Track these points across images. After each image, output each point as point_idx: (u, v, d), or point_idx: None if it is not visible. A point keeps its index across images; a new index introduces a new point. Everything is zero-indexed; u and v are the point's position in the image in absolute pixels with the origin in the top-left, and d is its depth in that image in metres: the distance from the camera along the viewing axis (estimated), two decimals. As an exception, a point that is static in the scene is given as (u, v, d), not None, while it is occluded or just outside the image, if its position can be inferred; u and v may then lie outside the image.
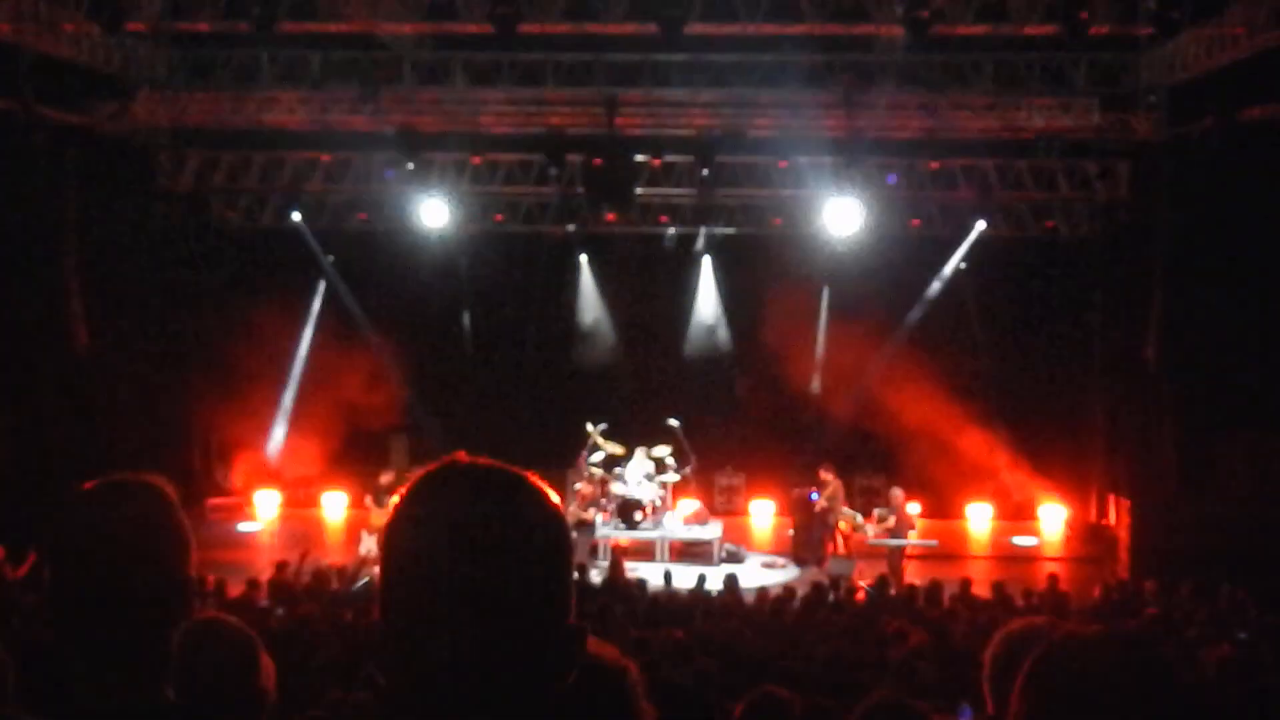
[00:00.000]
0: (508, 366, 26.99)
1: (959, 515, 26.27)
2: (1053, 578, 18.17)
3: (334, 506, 26.89)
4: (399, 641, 1.85)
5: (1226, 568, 17.47)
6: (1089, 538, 25.14)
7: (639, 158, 24.03)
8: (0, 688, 4.01)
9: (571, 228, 26.59)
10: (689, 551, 22.92)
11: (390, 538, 1.90)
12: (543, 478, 1.99)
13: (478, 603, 1.81)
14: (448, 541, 1.83)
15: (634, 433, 24.15)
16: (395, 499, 1.93)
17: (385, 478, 21.83)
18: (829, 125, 22.73)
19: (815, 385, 26.77)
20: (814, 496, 22.88)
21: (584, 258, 27.81)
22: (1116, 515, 23.19)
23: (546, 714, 1.89)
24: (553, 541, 1.90)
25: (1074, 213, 26.28)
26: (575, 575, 1.97)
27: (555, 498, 1.95)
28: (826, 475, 22.92)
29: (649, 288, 27.88)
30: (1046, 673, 2.16)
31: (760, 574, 21.58)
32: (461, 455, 1.95)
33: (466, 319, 27.65)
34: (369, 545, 20.91)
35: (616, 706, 3.07)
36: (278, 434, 27.29)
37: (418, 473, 1.94)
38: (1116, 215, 25.33)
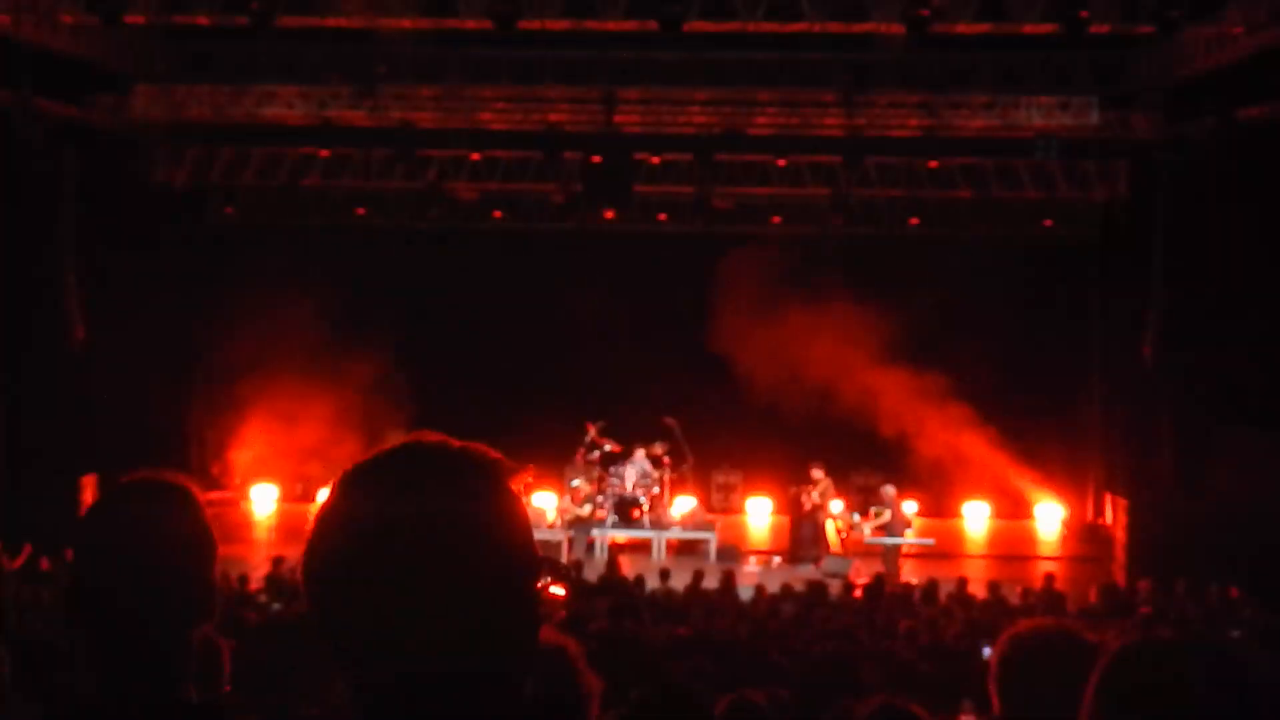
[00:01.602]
0: (505, 363, 26.95)
1: (955, 514, 26.29)
2: (1049, 577, 18.18)
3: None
4: (331, 625, 1.79)
5: (1223, 566, 17.50)
6: (1085, 537, 25.16)
7: (637, 155, 24.01)
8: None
9: (563, 219, 26.43)
10: (686, 549, 22.92)
11: (322, 516, 1.83)
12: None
13: (425, 582, 1.75)
14: (371, 517, 1.77)
15: (631, 431, 24.15)
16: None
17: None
18: (828, 123, 22.73)
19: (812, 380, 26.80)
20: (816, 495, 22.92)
21: (583, 255, 27.77)
22: (1113, 514, 23.19)
23: (511, 693, 1.84)
24: (502, 515, 1.83)
25: (1072, 212, 26.29)
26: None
27: (507, 469, 1.87)
28: (817, 473, 22.93)
29: (647, 285, 27.88)
30: (1122, 680, 2.10)
31: (757, 572, 21.57)
32: (426, 434, 1.90)
33: (464, 316, 27.60)
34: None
35: (560, 680, 3.09)
36: (274, 429, 27.24)
37: (360, 455, 1.88)
38: (1115, 214, 25.34)
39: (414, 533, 1.76)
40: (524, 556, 1.85)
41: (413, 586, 1.75)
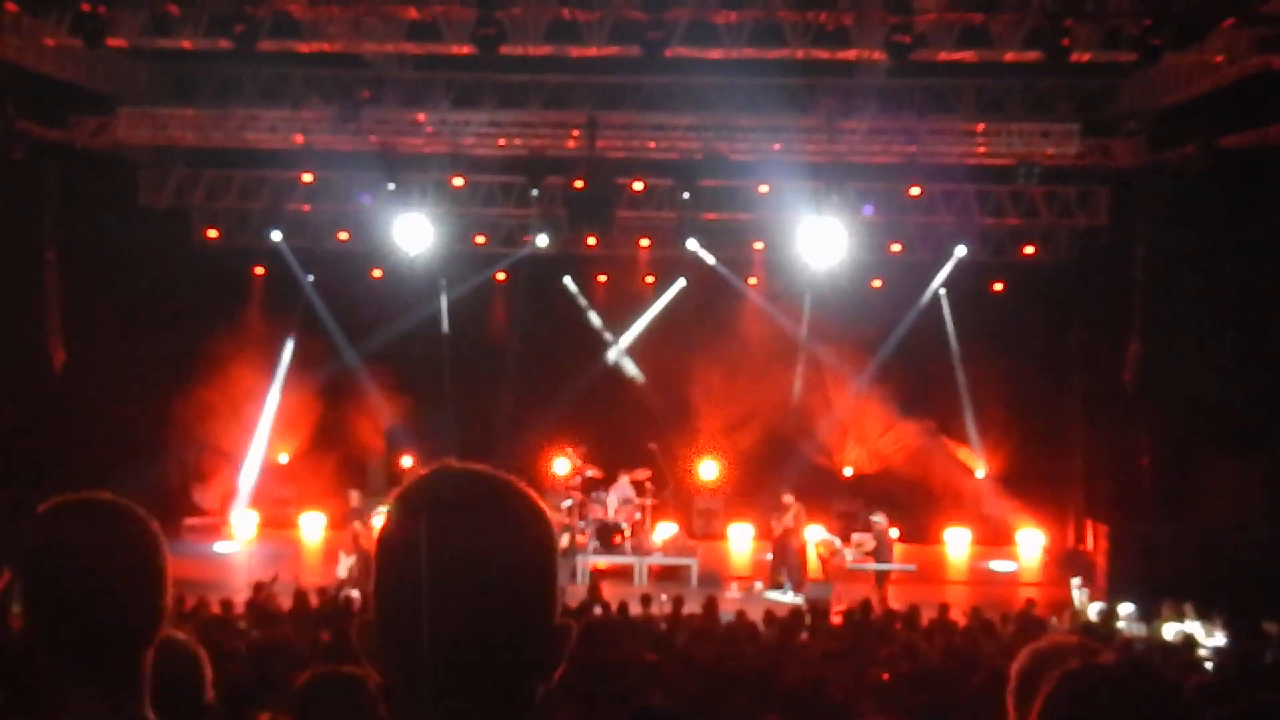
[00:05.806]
0: (487, 389, 26.90)
1: (937, 540, 26.28)
2: (1029, 603, 18.19)
3: (312, 528, 26.77)
4: (390, 640, 1.86)
5: (1202, 592, 17.53)
6: (1066, 563, 25.15)
7: (620, 180, 24.02)
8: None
9: (546, 244, 26.08)
10: (667, 575, 22.88)
11: (385, 539, 1.92)
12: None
13: (468, 602, 1.83)
14: (439, 543, 1.85)
15: (614, 456, 24.15)
16: (389, 503, 1.95)
17: (354, 499, 21.82)
18: (810, 149, 22.78)
19: (794, 406, 26.80)
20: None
21: (567, 280, 27.79)
22: (1094, 540, 23.20)
23: (531, 709, 1.90)
24: (539, 543, 1.92)
25: (1054, 238, 26.38)
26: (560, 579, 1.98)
27: (540, 502, 1.96)
28: (787, 498, 22.90)
29: (627, 311, 27.90)
30: (1064, 700, 2.15)
31: (738, 598, 21.51)
32: (451, 461, 1.97)
33: (446, 340, 27.56)
34: (347, 565, 20.86)
35: None
36: (256, 454, 27.14)
37: (410, 477, 1.95)
38: (1096, 241, 25.44)
39: (469, 545, 1.86)
40: (555, 562, 1.96)
41: (468, 592, 1.84)
